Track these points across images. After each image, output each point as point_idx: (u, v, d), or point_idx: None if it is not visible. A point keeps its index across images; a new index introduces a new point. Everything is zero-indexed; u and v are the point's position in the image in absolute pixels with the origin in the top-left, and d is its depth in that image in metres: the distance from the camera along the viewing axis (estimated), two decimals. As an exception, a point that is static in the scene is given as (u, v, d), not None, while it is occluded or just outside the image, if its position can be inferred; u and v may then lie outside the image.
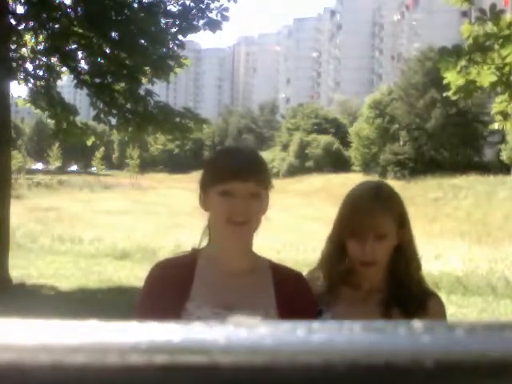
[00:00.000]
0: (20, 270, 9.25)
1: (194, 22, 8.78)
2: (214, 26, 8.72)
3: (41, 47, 9.14)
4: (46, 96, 9.21)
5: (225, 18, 8.74)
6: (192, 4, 8.82)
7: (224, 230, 1.40)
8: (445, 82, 6.05)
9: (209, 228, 1.48)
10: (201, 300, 1.40)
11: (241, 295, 1.41)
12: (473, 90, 5.99)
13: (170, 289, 1.40)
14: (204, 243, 1.51)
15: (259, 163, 1.43)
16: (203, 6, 8.77)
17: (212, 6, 8.79)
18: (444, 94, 6.55)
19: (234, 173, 1.36)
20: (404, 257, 1.52)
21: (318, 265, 1.62)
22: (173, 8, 8.90)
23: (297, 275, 1.51)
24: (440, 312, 1.55)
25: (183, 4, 8.88)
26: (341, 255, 1.54)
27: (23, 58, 8.99)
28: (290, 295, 1.44)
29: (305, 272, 1.61)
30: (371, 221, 1.46)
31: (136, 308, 1.44)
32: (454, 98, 6.30)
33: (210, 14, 8.74)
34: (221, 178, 1.37)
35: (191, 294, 1.40)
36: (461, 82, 5.83)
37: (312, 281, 1.55)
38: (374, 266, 1.49)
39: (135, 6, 8.90)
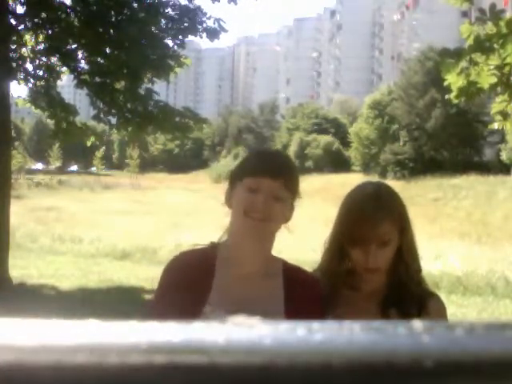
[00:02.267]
0: (20, 270, 9.25)
1: (193, 26, 8.78)
2: (212, 34, 8.74)
3: (41, 47, 9.14)
4: (45, 96, 9.21)
5: (222, 29, 8.76)
6: (190, 6, 8.83)
7: (241, 224, 1.38)
8: (445, 83, 6.04)
9: (231, 225, 1.46)
10: (216, 305, 1.38)
11: (251, 300, 1.39)
12: (474, 93, 5.97)
13: (189, 289, 1.38)
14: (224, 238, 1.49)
15: (290, 167, 1.44)
16: (200, 13, 8.79)
17: (209, 14, 8.85)
18: (446, 97, 6.53)
19: (264, 169, 1.36)
20: (404, 259, 1.51)
21: (318, 266, 1.61)
22: (171, 11, 8.91)
23: (309, 280, 1.48)
24: (440, 312, 1.54)
25: (181, 8, 8.88)
26: (341, 257, 1.53)
27: (23, 58, 8.99)
28: (299, 300, 1.41)
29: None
30: (373, 230, 1.44)
31: (152, 305, 1.43)
32: (455, 101, 6.28)
33: (207, 21, 8.77)
34: (250, 172, 1.38)
35: (210, 298, 1.39)
36: (461, 83, 5.82)
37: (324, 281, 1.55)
38: (378, 272, 1.49)
39: (135, 5, 8.90)
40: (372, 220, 1.44)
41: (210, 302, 1.38)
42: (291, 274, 1.46)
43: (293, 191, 1.40)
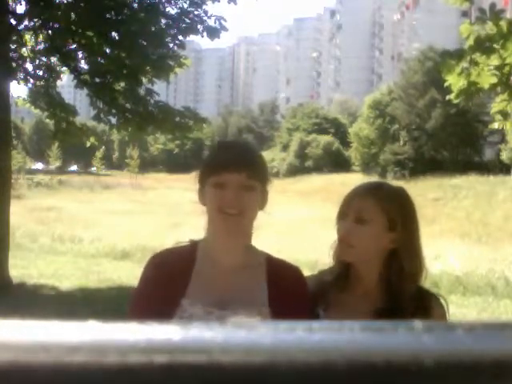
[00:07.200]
0: (20, 269, 9.25)
1: (193, 25, 8.76)
2: (212, 33, 8.71)
3: (41, 47, 9.13)
4: (45, 96, 9.21)
5: (223, 28, 8.74)
6: (190, 8, 8.82)
7: (216, 221, 1.40)
8: (446, 84, 6.04)
9: (207, 222, 1.48)
10: (195, 298, 1.39)
11: (234, 293, 1.40)
12: (474, 93, 5.97)
13: (167, 283, 1.40)
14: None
15: (252, 156, 1.43)
16: (201, 12, 8.77)
17: (210, 12, 8.82)
18: (447, 98, 6.53)
19: (226, 164, 1.37)
20: (398, 262, 1.48)
21: (327, 268, 1.61)
22: (171, 11, 8.91)
23: (292, 270, 1.49)
24: (441, 314, 1.53)
25: (182, 8, 8.87)
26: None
27: (23, 58, 8.98)
28: (284, 291, 1.42)
29: (306, 273, 1.59)
30: (354, 203, 1.48)
31: (132, 300, 1.44)
32: (456, 101, 6.28)
33: (208, 20, 8.74)
34: (214, 170, 1.38)
35: (187, 290, 1.40)
36: (462, 83, 5.82)
37: (318, 282, 1.55)
38: (352, 248, 1.47)
39: (135, 5, 8.90)
40: (356, 195, 1.50)
41: (187, 295, 1.39)
42: (275, 265, 1.48)
43: (260, 179, 1.41)
